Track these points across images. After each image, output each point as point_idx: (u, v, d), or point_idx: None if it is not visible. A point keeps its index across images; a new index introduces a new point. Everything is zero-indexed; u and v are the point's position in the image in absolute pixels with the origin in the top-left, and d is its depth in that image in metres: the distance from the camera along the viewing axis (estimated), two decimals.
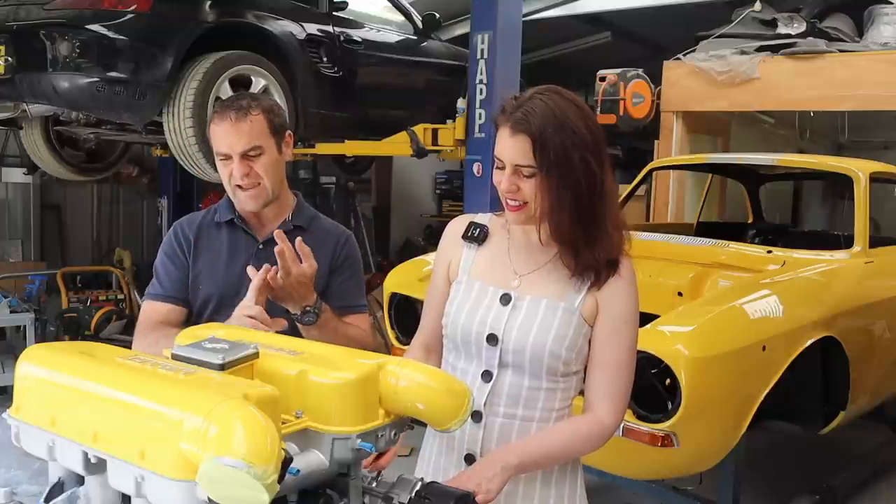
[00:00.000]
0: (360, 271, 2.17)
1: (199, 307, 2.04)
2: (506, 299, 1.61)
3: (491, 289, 1.63)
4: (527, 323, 1.58)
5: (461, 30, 7.37)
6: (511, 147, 1.52)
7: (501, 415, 1.61)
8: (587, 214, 1.53)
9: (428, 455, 1.73)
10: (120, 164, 6.50)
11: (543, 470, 1.63)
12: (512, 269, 1.64)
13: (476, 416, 1.60)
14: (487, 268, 1.67)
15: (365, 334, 2.07)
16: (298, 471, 1.11)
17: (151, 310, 2.05)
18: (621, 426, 2.12)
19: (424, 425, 1.50)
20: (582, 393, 1.69)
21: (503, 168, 1.55)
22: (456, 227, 1.74)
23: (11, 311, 5.59)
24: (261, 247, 2.05)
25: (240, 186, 1.97)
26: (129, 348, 1.26)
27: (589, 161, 1.51)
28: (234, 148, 1.94)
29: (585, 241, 1.55)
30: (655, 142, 6.24)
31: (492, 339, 1.60)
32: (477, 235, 1.69)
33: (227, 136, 1.94)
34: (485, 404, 1.61)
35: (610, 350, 1.59)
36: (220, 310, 1.98)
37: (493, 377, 1.61)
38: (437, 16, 6.38)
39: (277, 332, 1.66)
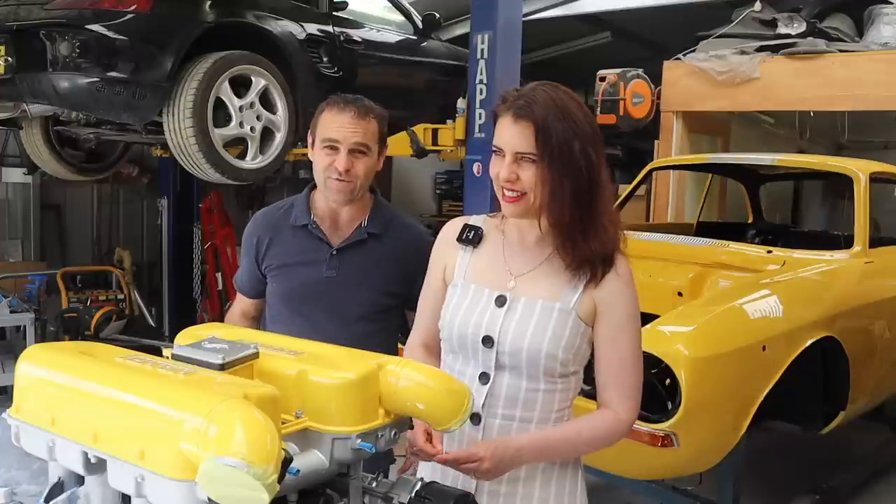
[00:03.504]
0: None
1: (276, 303, 2.15)
2: (501, 301, 1.61)
3: (486, 291, 1.63)
4: (522, 325, 1.58)
5: (461, 30, 7.37)
6: (513, 134, 1.52)
7: (500, 416, 1.61)
8: (586, 206, 1.54)
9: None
10: (120, 164, 6.48)
11: (543, 470, 1.62)
12: (507, 270, 1.64)
13: (475, 417, 1.60)
14: (483, 270, 1.66)
15: None
16: (298, 471, 1.11)
17: (238, 301, 2.32)
18: None
19: None
20: (583, 394, 1.69)
21: (503, 157, 1.55)
22: (450, 230, 1.74)
23: (11, 311, 5.59)
24: (334, 253, 2.09)
25: (336, 178, 2.01)
26: (130, 348, 1.26)
27: (589, 152, 1.52)
28: (348, 139, 1.99)
29: (583, 232, 1.55)
30: (655, 142, 6.24)
31: (487, 341, 1.60)
32: (472, 238, 1.69)
33: (345, 126, 1.99)
34: (483, 406, 1.60)
35: (617, 349, 1.59)
36: (298, 307, 2.08)
37: (491, 379, 1.60)
38: (437, 16, 6.37)
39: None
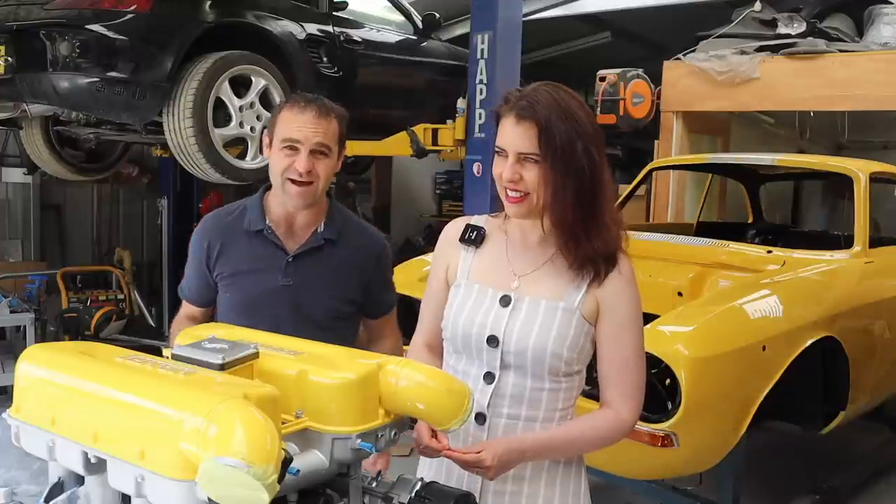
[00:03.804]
0: (391, 273, 2.23)
1: (228, 312, 2.04)
2: (505, 301, 1.61)
3: (490, 291, 1.63)
4: (527, 324, 1.58)
5: (461, 30, 7.37)
6: (516, 135, 1.52)
7: (505, 416, 1.61)
8: (588, 205, 1.54)
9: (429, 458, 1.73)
10: (120, 164, 6.49)
11: (548, 470, 1.63)
12: (510, 270, 1.64)
13: (479, 417, 1.60)
14: (486, 270, 1.66)
15: (395, 330, 2.23)
16: (298, 471, 1.11)
17: (183, 309, 2.18)
18: None
19: None
20: (584, 394, 1.69)
21: (506, 157, 1.55)
22: (452, 229, 1.74)
23: (11, 311, 5.58)
24: (290, 260, 2.02)
25: (294, 180, 1.94)
26: (130, 348, 1.26)
27: (591, 152, 1.52)
28: (309, 139, 1.92)
29: (586, 232, 1.55)
30: (655, 142, 6.24)
31: (492, 340, 1.60)
32: (474, 238, 1.69)
33: (306, 126, 1.92)
34: (488, 406, 1.60)
35: (619, 348, 1.60)
36: (251, 316, 1.94)
37: (496, 378, 1.61)
38: (437, 16, 6.38)
39: None
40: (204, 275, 2.08)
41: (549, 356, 1.56)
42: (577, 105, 1.54)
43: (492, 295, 1.63)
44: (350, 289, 2.07)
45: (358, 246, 2.09)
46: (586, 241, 1.55)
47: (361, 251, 2.09)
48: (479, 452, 1.49)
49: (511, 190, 1.55)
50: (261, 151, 4.03)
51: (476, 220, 1.73)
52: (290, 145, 1.93)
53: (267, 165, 2.03)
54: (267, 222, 2.02)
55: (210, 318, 2.13)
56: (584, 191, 1.53)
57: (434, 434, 1.53)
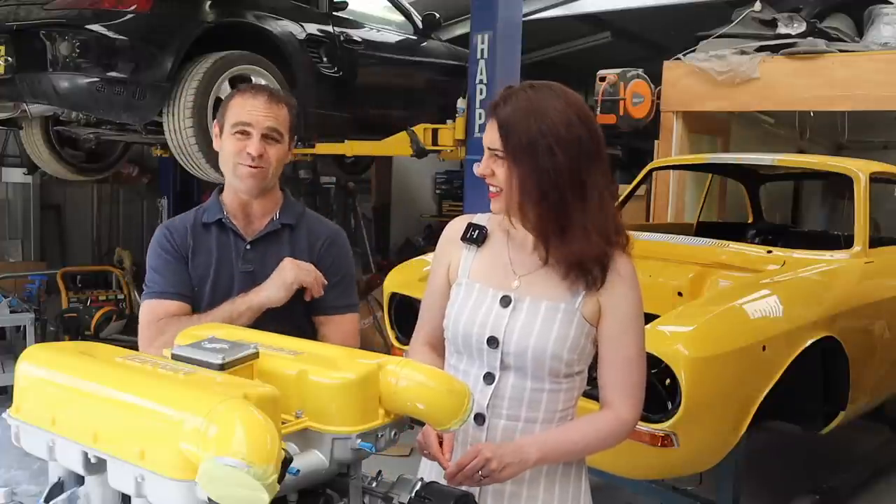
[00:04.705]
0: (348, 271, 2.11)
1: (193, 310, 2.00)
2: (506, 301, 1.61)
3: (491, 291, 1.63)
4: (528, 325, 1.57)
5: (461, 30, 7.37)
6: (487, 131, 1.58)
7: (504, 417, 1.60)
8: (556, 207, 1.52)
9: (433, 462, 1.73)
10: (120, 164, 6.50)
11: (547, 472, 1.62)
12: (511, 270, 1.63)
13: (479, 418, 1.60)
14: (487, 269, 1.66)
15: (344, 336, 2.02)
16: (298, 471, 1.11)
17: (157, 308, 1.95)
18: None
19: (424, 425, 1.51)
20: (586, 395, 1.69)
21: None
22: (454, 228, 1.74)
23: (11, 311, 5.59)
24: (248, 247, 2.01)
25: (248, 165, 1.93)
26: (130, 348, 1.26)
27: (556, 153, 1.50)
28: (261, 123, 1.92)
29: (558, 233, 1.54)
30: (655, 142, 6.24)
31: (492, 341, 1.59)
32: (476, 237, 1.68)
33: (256, 110, 1.93)
34: (487, 406, 1.60)
35: (621, 348, 1.59)
36: (213, 305, 1.95)
37: (496, 379, 1.60)
38: (437, 16, 6.39)
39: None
40: (183, 265, 2.00)
41: (550, 357, 1.56)
42: (555, 105, 1.53)
43: (492, 295, 1.62)
44: None
45: (312, 229, 2.07)
46: (560, 244, 1.54)
47: (313, 233, 2.06)
48: (477, 450, 1.49)
49: (489, 185, 1.59)
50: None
51: (478, 218, 1.73)
52: (241, 129, 1.93)
53: None
54: (224, 213, 2.02)
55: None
56: (547, 191, 1.51)
57: (441, 442, 1.54)
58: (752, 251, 3.83)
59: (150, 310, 1.96)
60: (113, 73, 4.16)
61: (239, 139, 1.94)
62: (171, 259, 1.99)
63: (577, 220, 1.53)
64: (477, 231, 1.69)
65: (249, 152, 1.92)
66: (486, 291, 1.63)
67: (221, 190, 2.07)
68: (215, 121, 2.04)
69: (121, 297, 6.79)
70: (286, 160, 2.04)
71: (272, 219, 2.04)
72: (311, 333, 2.01)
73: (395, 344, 3.88)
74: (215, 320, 1.83)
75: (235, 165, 1.95)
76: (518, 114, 1.52)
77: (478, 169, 1.60)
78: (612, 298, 1.58)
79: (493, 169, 1.56)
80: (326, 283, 1.97)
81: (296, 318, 1.98)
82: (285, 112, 1.98)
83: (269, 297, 1.91)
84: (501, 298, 1.61)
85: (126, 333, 6.12)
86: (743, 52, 5.87)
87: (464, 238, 1.70)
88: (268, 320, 1.88)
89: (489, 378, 1.61)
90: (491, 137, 1.56)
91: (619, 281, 1.58)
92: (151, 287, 1.98)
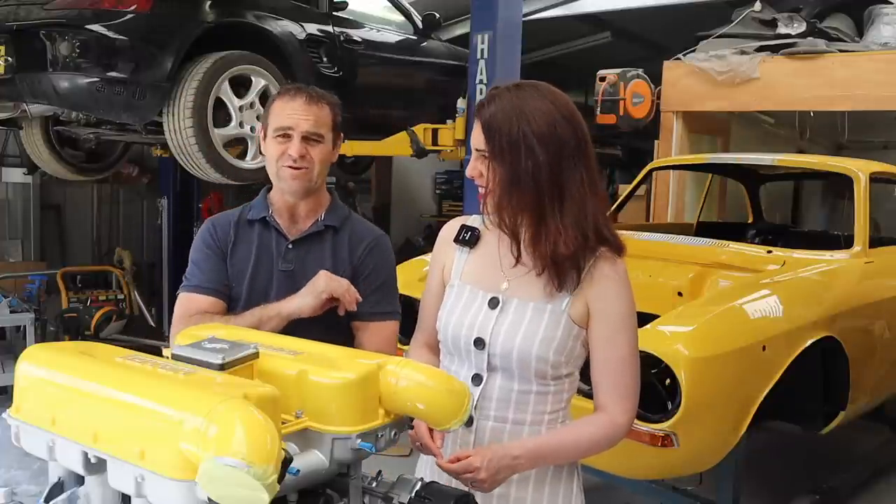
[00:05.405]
0: (390, 277, 2.10)
1: (230, 306, 2.01)
2: (494, 303, 1.61)
3: (480, 292, 1.63)
4: (514, 327, 1.57)
5: (461, 30, 7.37)
6: (473, 131, 1.60)
7: (492, 418, 1.60)
8: (530, 207, 1.52)
9: (427, 455, 1.73)
10: (120, 164, 6.49)
11: (536, 473, 1.61)
12: (501, 271, 1.63)
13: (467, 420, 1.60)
14: (478, 271, 1.66)
15: (380, 344, 1.98)
16: (298, 471, 1.11)
17: (190, 302, 1.97)
18: None
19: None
20: (580, 393, 1.69)
21: None
22: (448, 230, 1.75)
23: (11, 311, 5.59)
24: (290, 246, 2.02)
25: (290, 167, 1.95)
26: (130, 348, 1.26)
27: (537, 153, 1.50)
28: (300, 126, 1.93)
29: (531, 233, 1.54)
30: (655, 142, 6.24)
31: (479, 342, 1.59)
32: (468, 239, 1.69)
33: (296, 113, 1.94)
34: (475, 408, 1.59)
35: (612, 350, 1.58)
36: (250, 303, 1.95)
37: (483, 381, 1.60)
38: (437, 16, 6.38)
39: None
40: (222, 261, 2.02)
41: (535, 359, 1.55)
42: (540, 106, 1.52)
43: (482, 297, 1.62)
44: (345, 276, 2.00)
45: (355, 233, 2.08)
46: (535, 243, 1.54)
47: (356, 236, 2.07)
48: (468, 458, 1.48)
49: (476, 184, 1.60)
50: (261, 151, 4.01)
51: (472, 220, 1.73)
52: (282, 133, 1.95)
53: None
54: (270, 211, 2.04)
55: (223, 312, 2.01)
56: (525, 190, 1.51)
57: (431, 434, 1.53)
58: (752, 251, 3.83)
59: (183, 303, 2.00)
60: (113, 73, 4.15)
61: (280, 142, 1.96)
62: (211, 254, 2.02)
63: (551, 221, 1.53)
64: (469, 233, 1.69)
65: (290, 154, 1.94)
66: (476, 293, 1.63)
67: (270, 188, 2.08)
68: (261, 124, 2.06)
69: (121, 297, 6.79)
70: (332, 159, 2.04)
71: (317, 220, 2.05)
72: (351, 342, 2.00)
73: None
74: (244, 324, 1.81)
75: (279, 168, 1.97)
76: (501, 114, 1.53)
77: (468, 170, 1.61)
78: (601, 299, 1.57)
79: (480, 170, 1.57)
80: (360, 299, 1.94)
81: (340, 328, 1.97)
82: (327, 111, 1.98)
83: (300, 306, 1.89)
84: (490, 300, 1.61)
85: (126, 333, 6.13)
86: (743, 52, 5.87)
87: (456, 240, 1.70)
88: (303, 328, 1.78)
89: (477, 379, 1.61)
90: (477, 138, 1.57)
91: (607, 282, 1.57)
92: (189, 280, 2.02)
